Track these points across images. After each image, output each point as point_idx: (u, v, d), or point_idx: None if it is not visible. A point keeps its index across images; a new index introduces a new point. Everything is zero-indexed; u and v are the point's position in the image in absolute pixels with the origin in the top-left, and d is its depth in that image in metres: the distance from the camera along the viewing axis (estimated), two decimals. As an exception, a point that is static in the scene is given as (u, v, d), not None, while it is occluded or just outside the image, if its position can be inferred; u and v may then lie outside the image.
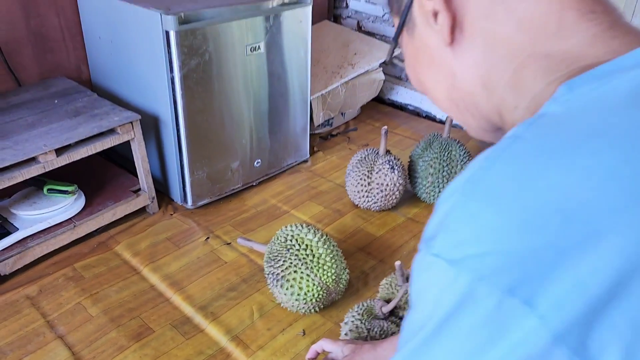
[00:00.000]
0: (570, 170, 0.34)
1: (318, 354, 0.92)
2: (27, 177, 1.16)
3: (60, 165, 1.21)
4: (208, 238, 1.37)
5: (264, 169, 1.61)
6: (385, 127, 1.43)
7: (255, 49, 1.41)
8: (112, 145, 1.29)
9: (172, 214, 1.46)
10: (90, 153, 1.25)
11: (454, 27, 0.46)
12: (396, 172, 1.41)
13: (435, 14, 0.46)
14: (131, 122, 1.31)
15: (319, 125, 1.91)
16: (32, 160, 1.17)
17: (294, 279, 1.08)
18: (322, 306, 1.11)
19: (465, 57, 0.48)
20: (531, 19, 0.43)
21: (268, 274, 1.13)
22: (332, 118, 1.96)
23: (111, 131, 1.29)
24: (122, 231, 1.39)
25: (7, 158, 1.13)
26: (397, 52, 0.51)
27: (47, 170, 1.18)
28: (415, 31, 0.51)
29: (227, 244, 1.35)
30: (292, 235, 1.13)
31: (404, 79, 2.23)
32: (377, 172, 1.41)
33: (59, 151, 1.20)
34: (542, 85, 0.43)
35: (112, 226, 1.39)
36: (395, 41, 0.55)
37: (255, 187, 1.61)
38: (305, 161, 1.74)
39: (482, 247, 0.34)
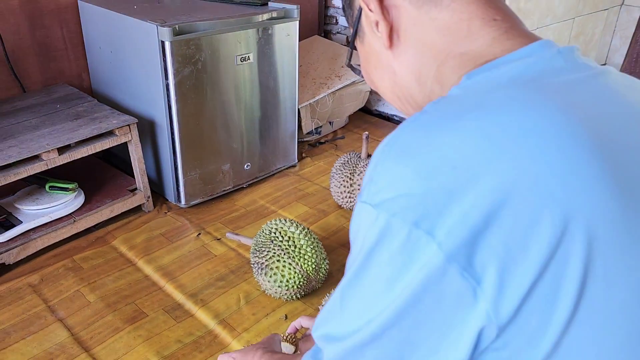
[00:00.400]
0: (457, 133, 0.45)
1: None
2: (31, 173, 1.26)
3: (61, 163, 1.30)
4: (199, 234, 1.47)
5: (253, 172, 1.70)
6: (367, 132, 1.53)
7: (245, 59, 1.52)
8: (111, 146, 1.39)
9: (166, 212, 1.56)
10: (90, 153, 1.35)
11: (392, 34, 0.58)
12: (376, 173, 1.50)
13: (377, 24, 0.58)
14: (129, 125, 1.41)
15: (307, 133, 2.01)
16: (36, 158, 1.27)
17: (277, 267, 1.17)
18: (303, 293, 1.20)
19: (402, 58, 0.59)
20: (448, 26, 0.55)
21: (254, 264, 1.22)
22: (321, 126, 2.06)
23: (110, 133, 1.39)
24: (119, 227, 1.48)
25: (13, 155, 1.22)
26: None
27: (49, 167, 1.28)
28: (365, 38, 0.62)
29: (217, 239, 1.45)
30: (276, 229, 1.22)
31: (389, 90, 2.34)
32: (358, 174, 1.51)
33: (61, 150, 1.30)
34: (455, 78, 0.54)
35: (110, 222, 1.48)
36: (352, 46, 0.66)
37: (245, 188, 1.70)
38: (294, 166, 1.84)
39: (395, 192, 0.45)
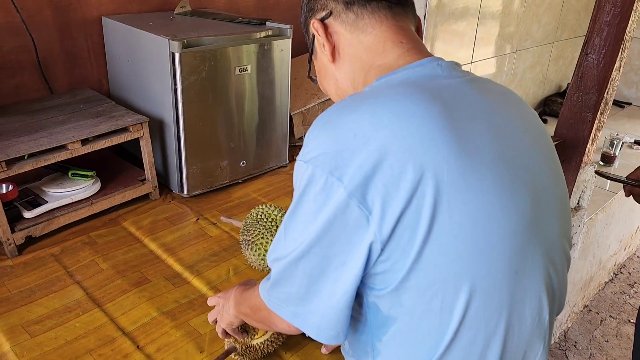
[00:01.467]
0: (357, 112, 0.68)
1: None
2: (58, 160, 1.49)
3: (83, 152, 1.53)
4: (198, 219, 1.69)
5: (248, 169, 1.93)
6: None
7: (244, 69, 1.76)
8: (125, 140, 1.63)
9: (170, 201, 1.78)
10: (107, 145, 1.58)
11: (334, 52, 0.83)
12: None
13: (324, 45, 0.82)
14: (141, 123, 1.64)
15: (299, 138, 2.24)
16: (63, 147, 1.50)
17: (261, 243, 1.38)
18: (282, 266, 1.42)
19: (341, 69, 0.84)
20: (370, 47, 0.80)
21: (242, 241, 1.44)
22: (312, 133, 2.29)
23: (125, 129, 1.63)
24: (129, 211, 1.70)
25: (44, 144, 1.46)
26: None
27: (73, 156, 1.51)
28: (317, 55, 0.87)
29: (213, 224, 1.67)
30: (262, 212, 1.44)
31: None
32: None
33: (84, 142, 1.53)
34: (375, 83, 0.77)
35: (121, 207, 1.71)
36: (310, 61, 0.91)
37: (241, 183, 1.93)
38: (285, 166, 2.06)
39: (318, 151, 0.68)
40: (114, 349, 1.18)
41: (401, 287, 0.68)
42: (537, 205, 0.74)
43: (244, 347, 1.10)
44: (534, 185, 0.75)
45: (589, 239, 2.37)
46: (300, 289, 0.72)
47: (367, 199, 0.65)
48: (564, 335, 2.49)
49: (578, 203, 2.11)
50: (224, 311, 1.03)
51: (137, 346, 1.19)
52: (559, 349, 2.39)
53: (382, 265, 0.68)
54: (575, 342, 2.46)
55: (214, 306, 1.13)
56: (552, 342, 2.43)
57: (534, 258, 0.75)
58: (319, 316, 0.72)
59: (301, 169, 0.70)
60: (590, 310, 2.65)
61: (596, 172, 1.61)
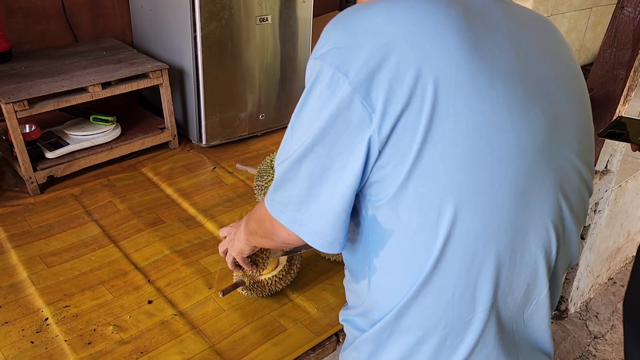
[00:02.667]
0: (372, 10, 0.66)
1: None
2: (79, 103, 1.51)
3: (104, 96, 1.56)
4: (215, 168, 1.70)
5: (267, 123, 1.93)
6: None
7: (264, 19, 1.74)
8: (145, 86, 1.64)
9: (189, 150, 1.80)
10: (127, 90, 1.60)
11: None
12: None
13: None
14: (161, 70, 1.65)
15: (321, 96, 2.22)
16: (84, 90, 1.52)
17: (274, 188, 1.39)
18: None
19: None
20: None
21: (256, 187, 1.44)
22: (334, 91, 2.27)
23: (144, 75, 1.64)
24: (148, 158, 1.73)
25: (65, 86, 1.48)
26: None
27: (94, 99, 1.53)
28: None
29: (230, 172, 1.68)
30: (277, 158, 1.44)
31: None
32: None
33: (104, 85, 1.55)
34: None
35: (141, 154, 1.73)
36: None
37: (260, 137, 1.93)
38: (305, 122, 2.05)
39: (329, 47, 0.67)
40: (126, 282, 1.21)
41: (399, 195, 0.66)
42: (552, 131, 0.71)
43: (251, 281, 1.11)
44: (552, 110, 0.71)
45: (617, 207, 2.29)
46: (302, 191, 0.70)
47: (371, 96, 0.63)
48: (586, 306, 2.44)
49: (606, 167, 2.04)
50: (235, 239, 1.02)
51: (148, 280, 1.21)
52: (579, 319, 2.35)
53: (381, 172, 0.66)
54: (597, 312, 2.40)
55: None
56: (573, 310, 2.38)
57: (544, 185, 0.71)
58: (316, 221, 0.70)
59: (311, 67, 0.69)
60: (615, 282, 2.59)
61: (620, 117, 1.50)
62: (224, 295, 1.08)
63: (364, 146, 0.65)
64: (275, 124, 1.96)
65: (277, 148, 1.82)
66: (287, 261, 1.17)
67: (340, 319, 0.89)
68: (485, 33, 0.67)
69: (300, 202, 0.71)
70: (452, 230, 0.66)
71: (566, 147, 0.74)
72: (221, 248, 1.08)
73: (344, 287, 1.20)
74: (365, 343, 0.79)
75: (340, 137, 0.66)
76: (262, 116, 1.90)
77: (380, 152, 0.65)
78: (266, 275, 1.13)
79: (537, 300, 0.77)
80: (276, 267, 1.16)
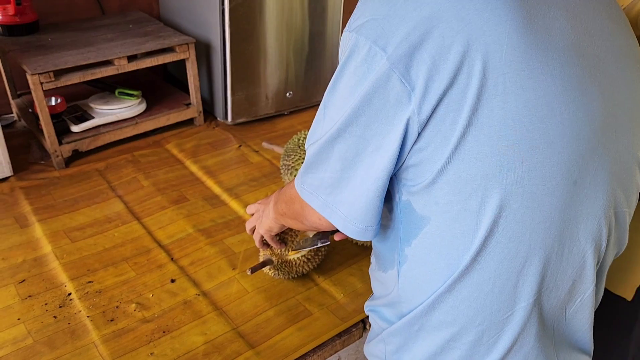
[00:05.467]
0: None
1: None
2: (105, 75, 1.48)
3: (130, 70, 1.52)
4: (240, 146, 1.67)
5: (295, 101, 1.88)
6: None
7: (294, -6, 1.68)
8: (171, 60, 1.60)
9: (214, 127, 1.77)
10: (153, 64, 1.57)
11: None
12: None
13: None
14: (187, 44, 1.61)
15: (350, 75, 2.16)
16: (109, 62, 1.49)
17: (300, 168, 1.35)
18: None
19: None
20: None
21: (282, 166, 1.40)
22: (363, 70, 2.21)
23: (171, 49, 1.60)
24: (173, 135, 1.70)
25: (91, 57, 1.46)
26: None
27: (119, 72, 1.51)
28: None
29: (256, 151, 1.64)
30: (304, 137, 1.39)
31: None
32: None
33: (130, 58, 1.52)
34: None
35: (165, 130, 1.71)
36: None
37: (286, 115, 1.88)
38: (333, 101, 2.00)
39: (365, 18, 0.61)
40: (149, 259, 1.19)
41: (438, 180, 0.61)
42: (609, 113, 0.64)
43: (279, 260, 1.08)
44: (610, 90, 0.65)
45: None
46: (334, 173, 0.66)
47: (411, 73, 0.57)
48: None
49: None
50: (263, 216, 0.98)
51: (172, 258, 1.19)
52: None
53: (419, 155, 0.61)
54: None
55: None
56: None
57: (598, 173, 0.65)
58: (347, 206, 0.66)
59: (345, 40, 0.63)
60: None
61: None
62: (252, 272, 1.04)
63: (402, 127, 0.60)
64: (302, 103, 1.91)
65: (305, 127, 1.79)
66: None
67: (365, 310, 0.85)
68: (538, 3, 0.61)
69: (332, 186, 0.67)
70: (496, 219, 0.61)
71: (624, 130, 0.68)
72: (248, 226, 1.05)
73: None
74: (393, 335, 0.75)
75: (376, 117, 0.61)
76: (289, 94, 1.85)
77: (419, 134, 0.60)
78: (294, 255, 1.10)
79: (582, 297, 0.72)
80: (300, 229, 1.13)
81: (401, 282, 0.71)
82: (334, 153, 0.65)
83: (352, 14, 0.64)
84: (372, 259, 0.82)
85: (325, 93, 0.67)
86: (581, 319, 0.74)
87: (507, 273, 0.64)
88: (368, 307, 0.84)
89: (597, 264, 0.72)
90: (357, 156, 0.63)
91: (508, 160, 0.59)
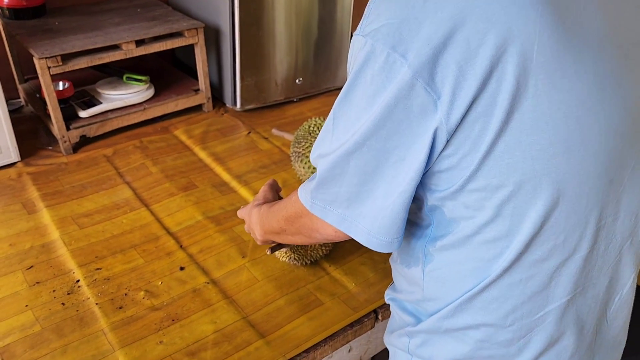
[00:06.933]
0: None
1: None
2: (113, 60, 1.46)
3: (138, 54, 1.50)
4: (250, 132, 1.64)
5: (304, 88, 1.85)
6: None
7: (305, -23, 1.65)
8: (180, 45, 1.58)
9: (223, 114, 1.74)
10: (162, 49, 1.54)
11: None
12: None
13: None
14: (196, 29, 1.59)
15: (360, 62, 2.12)
16: (117, 47, 1.47)
17: (311, 155, 1.32)
18: (332, 182, 1.35)
19: None
20: None
21: (292, 154, 1.38)
22: (374, 57, 2.17)
23: (179, 34, 1.58)
24: (181, 121, 1.68)
25: (98, 42, 1.43)
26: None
27: (127, 57, 1.48)
28: None
29: (265, 138, 1.62)
30: (315, 124, 1.37)
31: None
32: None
33: (138, 43, 1.49)
34: None
35: (174, 116, 1.69)
36: None
37: (296, 102, 1.86)
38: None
39: (380, 23, 0.57)
40: (157, 246, 1.17)
41: (467, 186, 0.58)
42: None
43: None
44: None
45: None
46: (351, 188, 0.62)
47: (436, 80, 0.53)
48: None
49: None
50: (251, 230, 0.98)
51: (181, 245, 1.18)
52: None
53: (446, 161, 0.58)
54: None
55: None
56: None
57: (636, 171, 0.63)
58: (370, 219, 0.62)
59: (358, 45, 0.58)
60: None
61: None
62: (272, 252, 1.02)
63: (428, 137, 0.56)
64: (312, 89, 1.88)
65: (315, 114, 1.76)
66: None
67: (386, 298, 0.83)
68: None
69: (350, 200, 0.63)
70: (531, 224, 0.58)
71: None
72: (246, 229, 1.04)
73: (383, 263, 1.14)
74: (419, 332, 0.72)
75: (398, 129, 0.57)
76: (298, 80, 1.82)
77: (448, 141, 0.56)
78: None
79: (621, 294, 0.70)
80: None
81: (427, 282, 0.68)
82: (351, 167, 0.61)
83: (364, 17, 0.59)
84: (394, 251, 0.79)
85: (336, 103, 0.63)
86: (621, 319, 0.72)
87: (540, 274, 0.62)
88: (389, 296, 0.81)
89: (635, 262, 0.70)
90: (378, 169, 0.60)
91: (541, 165, 0.56)
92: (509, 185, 0.57)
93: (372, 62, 0.56)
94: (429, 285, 0.68)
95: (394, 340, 0.79)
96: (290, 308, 1.03)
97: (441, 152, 0.58)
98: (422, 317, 0.71)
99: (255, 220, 0.93)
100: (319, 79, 1.88)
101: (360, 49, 0.58)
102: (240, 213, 1.05)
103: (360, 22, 0.60)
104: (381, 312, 1.03)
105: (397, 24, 0.55)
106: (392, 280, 0.82)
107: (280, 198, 1.05)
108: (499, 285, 0.62)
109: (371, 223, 0.63)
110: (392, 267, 0.81)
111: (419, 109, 0.55)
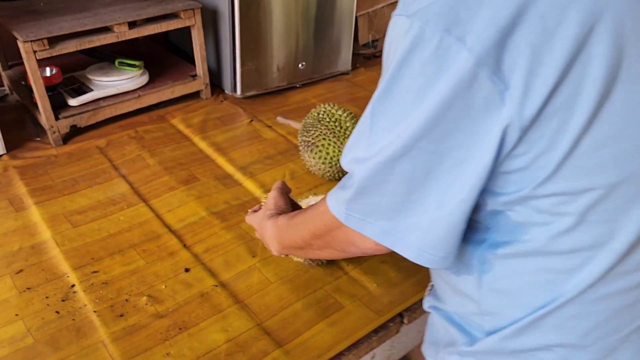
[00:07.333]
0: None
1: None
2: (104, 44, 1.35)
3: (130, 37, 1.39)
4: (252, 120, 1.54)
5: (307, 73, 1.75)
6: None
7: (308, -46, 1.54)
8: (176, 27, 1.47)
9: (222, 101, 1.64)
10: (157, 31, 1.43)
11: None
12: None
13: None
14: (193, 9, 1.48)
15: (363, 45, 2.03)
16: (108, 29, 1.36)
17: (322, 144, 1.23)
18: (344, 172, 1.27)
19: None
20: None
21: (300, 143, 1.29)
22: (377, 40, 2.07)
23: (175, 15, 1.47)
24: (178, 109, 1.57)
25: (88, 24, 1.32)
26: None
27: (120, 40, 1.37)
28: None
29: (269, 126, 1.52)
30: (324, 111, 1.28)
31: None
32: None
33: (131, 25, 1.38)
34: None
35: (170, 104, 1.58)
36: None
37: (299, 88, 1.76)
38: (347, 73, 1.87)
39: (428, 0, 0.47)
40: (159, 246, 1.08)
41: (542, 190, 0.49)
42: None
43: None
44: None
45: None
46: (395, 197, 0.53)
47: (504, 68, 0.45)
48: None
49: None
50: (266, 243, 0.88)
51: (184, 245, 1.08)
52: None
53: (516, 162, 0.49)
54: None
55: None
56: None
57: None
58: (420, 233, 0.53)
59: (401, 28, 0.48)
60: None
61: None
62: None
63: (494, 136, 0.47)
64: (315, 74, 1.78)
65: (319, 101, 1.66)
66: None
67: (425, 306, 0.74)
68: None
69: (394, 210, 0.54)
70: (629, 231, 0.50)
71: None
72: (258, 235, 0.94)
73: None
74: (475, 353, 0.63)
75: (456, 128, 0.48)
76: (301, 65, 1.72)
77: (520, 139, 0.47)
78: None
79: None
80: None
81: (484, 294, 0.59)
82: (396, 175, 0.52)
83: None
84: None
85: (374, 98, 0.53)
86: None
87: (632, 287, 0.54)
88: (430, 304, 0.72)
89: None
90: (429, 175, 0.51)
91: (637, 166, 0.47)
92: (598, 188, 0.48)
93: (420, 49, 0.47)
94: (487, 298, 0.59)
95: (443, 357, 0.70)
96: (308, 313, 0.94)
97: (510, 151, 0.48)
98: (476, 333, 0.62)
99: (272, 235, 0.83)
100: (322, 63, 1.78)
101: (404, 33, 0.48)
102: (250, 220, 0.94)
103: (401, 1, 0.51)
104: (407, 315, 0.95)
105: (450, 2, 0.46)
106: (416, 279, 0.73)
107: (292, 202, 0.95)
108: (579, 300, 0.53)
109: (422, 237, 0.53)
110: (431, 272, 0.72)
111: (483, 102, 0.46)
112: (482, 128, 0.47)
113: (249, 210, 0.96)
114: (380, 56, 2.06)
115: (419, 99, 0.48)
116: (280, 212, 0.85)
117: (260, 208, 0.94)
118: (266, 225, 0.85)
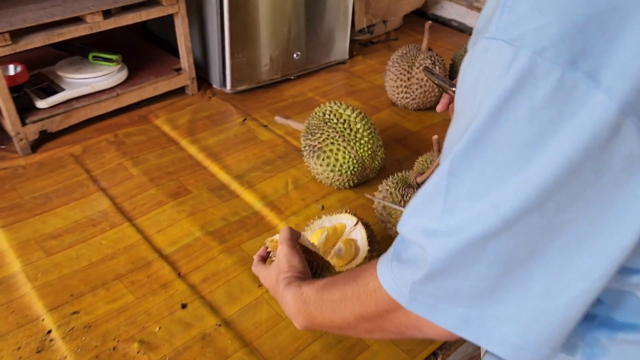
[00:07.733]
0: None
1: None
2: (76, 37, 1.18)
3: (106, 28, 1.22)
4: (245, 119, 1.39)
5: (302, 63, 1.60)
6: (430, 22, 1.39)
7: None
8: (157, 16, 1.30)
9: (210, 97, 1.48)
10: (136, 20, 1.26)
11: None
12: (437, 68, 1.39)
13: None
14: (176, -5, 1.31)
15: (360, 31, 1.87)
16: (80, 20, 1.19)
17: (330, 150, 1.09)
18: (356, 181, 1.13)
19: None
20: None
21: (305, 147, 1.14)
22: (374, 25, 1.92)
23: (156, 2, 1.30)
24: (161, 108, 1.41)
25: (57, 14, 1.15)
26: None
27: (93, 31, 1.20)
28: None
29: (264, 126, 1.37)
30: (331, 111, 1.13)
31: (450, -7, 2.15)
32: (417, 67, 1.39)
33: (105, 14, 1.21)
34: None
35: (153, 102, 1.42)
36: None
37: (294, 80, 1.60)
38: (344, 62, 1.72)
39: (543, 19, 0.33)
40: (149, 276, 0.93)
41: None
42: None
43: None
44: None
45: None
46: (484, 282, 0.41)
47: None
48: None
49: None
50: (284, 311, 0.68)
51: (179, 273, 0.94)
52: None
53: None
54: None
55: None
56: None
57: None
58: (518, 325, 0.40)
59: (497, 57, 0.35)
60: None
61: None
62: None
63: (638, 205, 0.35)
64: (311, 65, 1.62)
65: (316, 94, 1.51)
66: (368, 251, 0.89)
67: None
68: None
69: (480, 296, 0.41)
70: None
71: None
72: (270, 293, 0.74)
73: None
74: None
75: (581, 196, 0.35)
76: (296, 55, 1.56)
77: None
78: (343, 266, 0.87)
79: None
80: (354, 257, 0.89)
81: None
82: (487, 255, 0.39)
83: (499, 5, 0.36)
84: None
85: (457, 150, 0.39)
86: None
87: None
88: None
89: None
90: (535, 254, 0.38)
91: None
92: None
93: (531, 88, 0.34)
94: None
95: None
96: (328, 356, 0.81)
97: None
98: None
99: (295, 309, 0.64)
100: (318, 52, 1.62)
101: (505, 66, 0.35)
102: (258, 273, 0.76)
103: (493, 17, 0.36)
104: (441, 353, 0.83)
105: (578, 21, 0.32)
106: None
107: (304, 248, 0.74)
108: None
109: (522, 331, 0.40)
110: None
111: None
112: (621, 197, 0.34)
113: (254, 256, 0.80)
114: (377, 43, 1.91)
115: (526, 158, 0.35)
116: (298, 275, 0.67)
117: (266, 252, 0.78)
118: (285, 296, 0.65)
